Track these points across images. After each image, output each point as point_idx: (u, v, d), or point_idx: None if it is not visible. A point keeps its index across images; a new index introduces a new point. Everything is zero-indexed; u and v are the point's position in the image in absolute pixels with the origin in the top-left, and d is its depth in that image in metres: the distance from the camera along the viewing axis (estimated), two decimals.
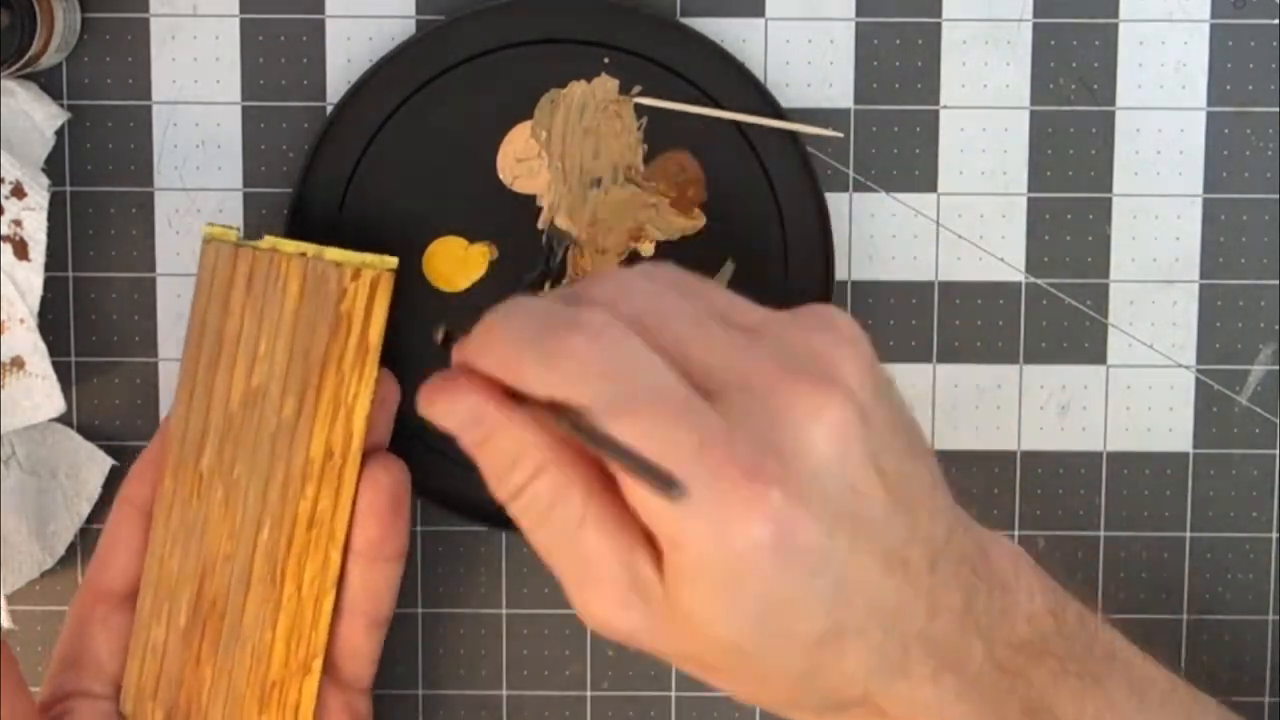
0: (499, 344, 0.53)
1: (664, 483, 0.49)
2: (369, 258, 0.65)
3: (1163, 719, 0.61)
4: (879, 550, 0.53)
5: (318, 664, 0.67)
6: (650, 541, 0.52)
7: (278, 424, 0.65)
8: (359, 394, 0.65)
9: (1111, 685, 0.59)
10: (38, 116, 0.71)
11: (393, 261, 0.65)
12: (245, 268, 0.66)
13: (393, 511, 0.67)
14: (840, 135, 0.73)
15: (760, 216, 0.72)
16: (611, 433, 0.50)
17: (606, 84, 0.72)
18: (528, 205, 0.72)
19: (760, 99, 0.72)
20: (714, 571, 0.51)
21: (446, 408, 0.54)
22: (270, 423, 0.65)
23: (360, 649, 0.68)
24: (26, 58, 0.68)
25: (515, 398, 0.53)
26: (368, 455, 0.66)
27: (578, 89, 0.72)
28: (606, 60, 0.71)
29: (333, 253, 0.65)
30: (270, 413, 0.65)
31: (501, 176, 0.72)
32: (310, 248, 0.65)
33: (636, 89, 0.72)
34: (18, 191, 0.69)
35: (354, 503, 0.66)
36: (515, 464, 0.53)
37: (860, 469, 0.52)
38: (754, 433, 0.51)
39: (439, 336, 0.56)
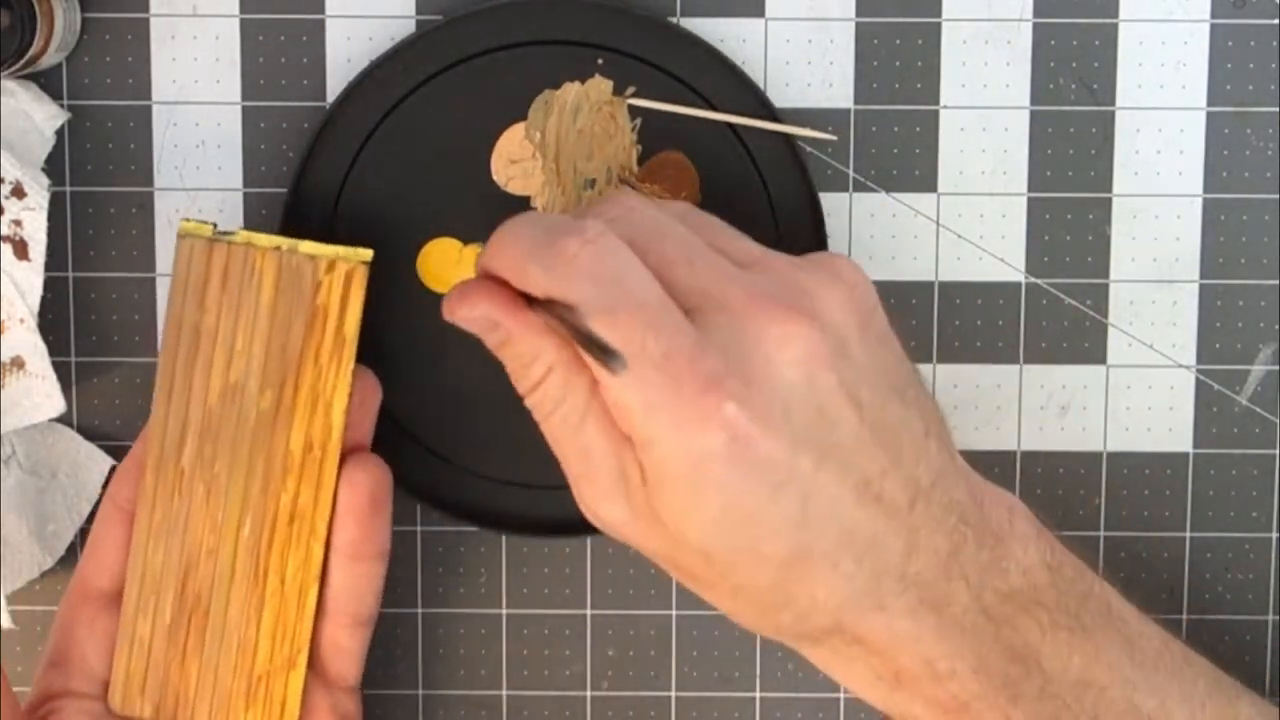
0: (507, 250, 0.57)
1: (604, 354, 0.53)
2: (344, 250, 0.66)
3: (1153, 674, 0.62)
4: (850, 479, 0.55)
5: (303, 658, 0.67)
6: None
7: (256, 418, 0.66)
8: (337, 387, 0.66)
9: (1102, 639, 0.61)
10: (38, 116, 0.71)
11: (367, 254, 0.66)
12: (220, 263, 0.66)
13: (372, 511, 0.67)
14: (834, 138, 0.73)
15: (754, 217, 0.72)
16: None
17: (600, 85, 0.71)
18: (522, 207, 0.72)
19: (755, 100, 0.71)
20: (677, 474, 0.54)
21: (466, 314, 0.58)
22: (249, 417, 0.66)
23: (345, 647, 0.68)
24: (26, 58, 0.68)
25: (529, 300, 0.56)
26: (348, 455, 0.67)
27: (571, 90, 0.71)
28: (600, 61, 0.71)
29: (308, 246, 0.66)
30: (249, 407, 0.66)
31: (495, 178, 0.72)
32: (285, 241, 0.66)
33: (630, 90, 0.71)
34: (18, 191, 0.69)
35: (334, 499, 0.66)
36: (530, 363, 0.57)
37: (830, 396, 0.55)
38: (721, 350, 0.54)
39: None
